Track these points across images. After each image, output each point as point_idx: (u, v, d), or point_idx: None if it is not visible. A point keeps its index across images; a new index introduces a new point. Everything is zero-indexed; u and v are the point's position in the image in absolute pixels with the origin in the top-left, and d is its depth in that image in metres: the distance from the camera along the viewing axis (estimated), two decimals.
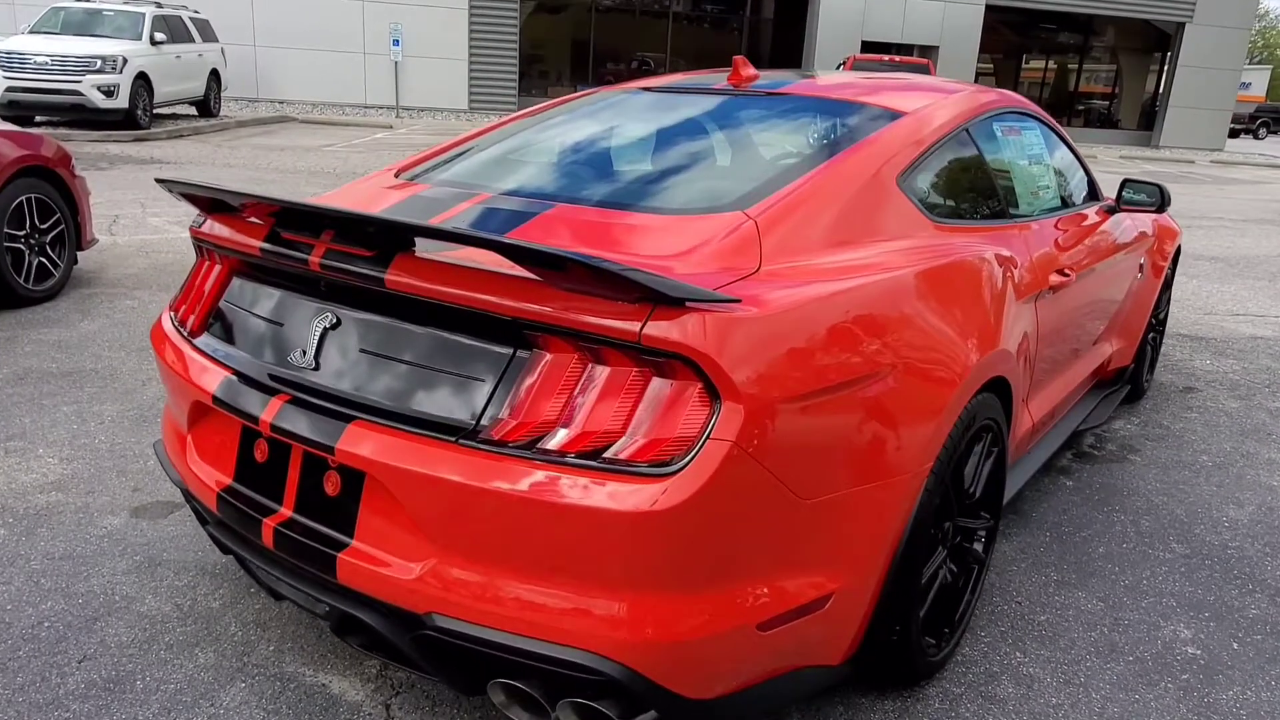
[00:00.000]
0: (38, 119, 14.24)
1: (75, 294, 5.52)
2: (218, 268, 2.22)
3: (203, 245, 2.22)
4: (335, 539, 1.79)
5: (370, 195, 2.33)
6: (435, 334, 1.75)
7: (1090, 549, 3.12)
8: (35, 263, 5.26)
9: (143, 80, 14.71)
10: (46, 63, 13.79)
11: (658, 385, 1.58)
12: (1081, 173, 3.69)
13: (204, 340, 2.13)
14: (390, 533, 1.72)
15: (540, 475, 1.57)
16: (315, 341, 1.87)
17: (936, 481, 2.02)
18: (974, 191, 2.69)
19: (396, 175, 2.54)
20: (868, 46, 24.37)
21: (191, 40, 16.59)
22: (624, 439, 1.57)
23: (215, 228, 2.13)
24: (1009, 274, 2.48)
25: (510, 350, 1.67)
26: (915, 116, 2.51)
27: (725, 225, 1.92)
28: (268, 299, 2.04)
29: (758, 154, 2.48)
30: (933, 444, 1.97)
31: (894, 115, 2.50)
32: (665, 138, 2.58)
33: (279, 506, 1.90)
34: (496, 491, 1.57)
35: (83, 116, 13.96)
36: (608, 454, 1.56)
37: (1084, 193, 3.67)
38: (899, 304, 1.94)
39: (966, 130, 2.70)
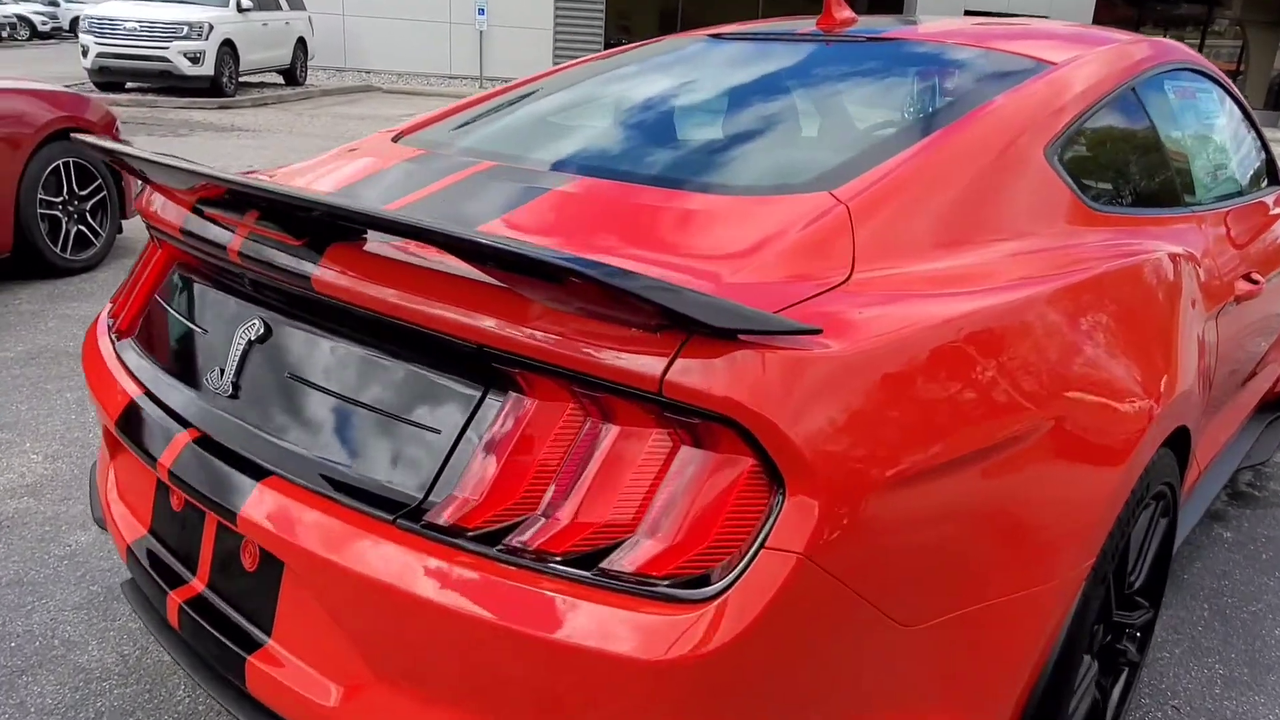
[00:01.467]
0: (128, 85, 14.32)
1: (117, 264, 5.24)
2: (159, 253, 1.75)
3: (147, 224, 1.76)
4: (248, 635, 1.31)
5: (350, 163, 1.83)
6: (379, 360, 1.23)
7: (1263, 631, 2.45)
8: (74, 231, 4.98)
9: (228, 47, 14.66)
10: (135, 29, 13.82)
11: (688, 459, 1.03)
12: (1260, 149, 2.96)
13: (126, 345, 1.67)
14: (314, 637, 1.23)
15: (507, 586, 1.04)
16: (236, 359, 1.38)
17: (1095, 582, 1.42)
18: (1143, 170, 2.04)
19: (395, 139, 2.03)
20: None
21: (278, 8, 16.50)
22: (635, 539, 1.03)
23: (151, 201, 1.66)
24: (1193, 282, 1.84)
25: (478, 391, 1.15)
26: (1068, 68, 1.88)
27: (805, 211, 1.35)
28: (196, 297, 1.56)
29: (854, 116, 1.90)
30: (1096, 533, 1.38)
31: (1039, 66, 1.87)
32: (733, 96, 2.00)
33: (191, 576, 1.43)
34: (443, 607, 1.06)
35: (170, 83, 13.98)
36: (610, 561, 1.03)
37: (1263, 174, 2.94)
38: (1055, 331, 1.35)
39: (1133, 89, 2.05)
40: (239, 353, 1.38)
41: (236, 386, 1.37)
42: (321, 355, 1.29)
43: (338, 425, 1.24)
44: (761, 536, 0.99)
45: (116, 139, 5.24)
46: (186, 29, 13.91)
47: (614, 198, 1.45)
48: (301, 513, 1.18)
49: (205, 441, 1.35)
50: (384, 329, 1.22)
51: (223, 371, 1.39)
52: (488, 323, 1.08)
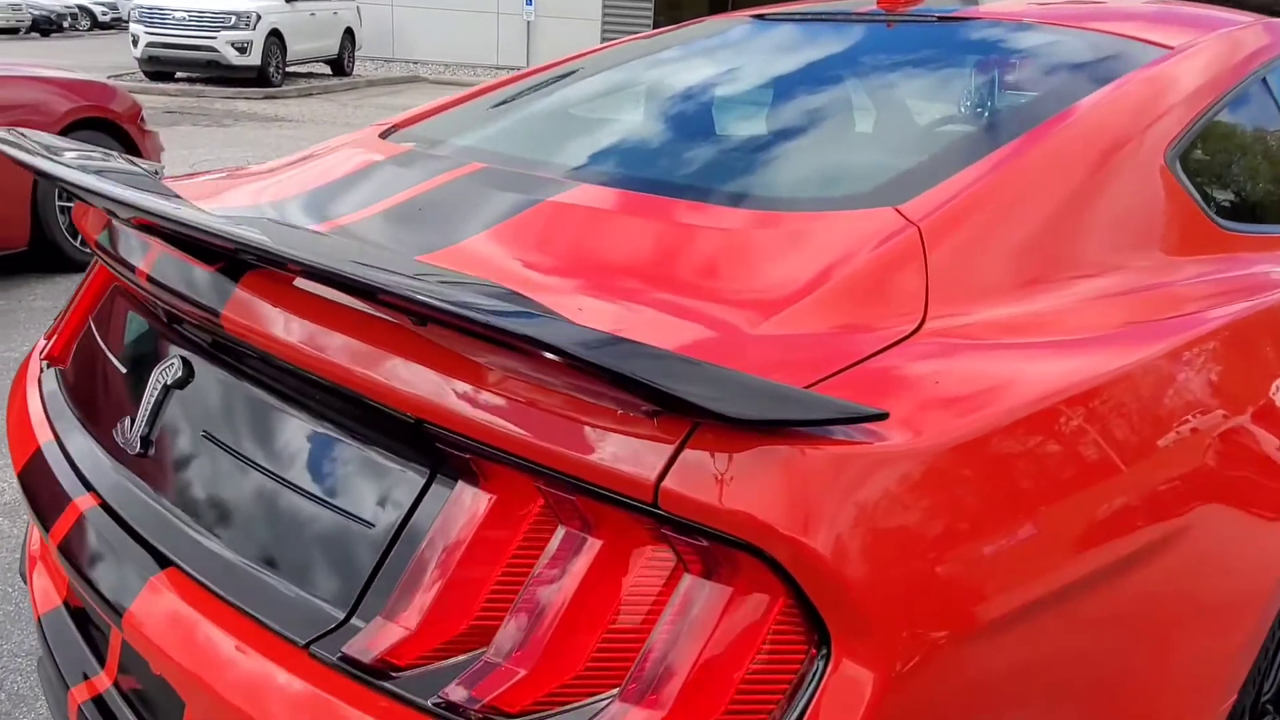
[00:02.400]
0: (177, 75, 14.36)
1: None
2: (100, 267, 1.51)
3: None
4: None
5: (327, 161, 1.56)
6: (306, 426, 0.96)
7: None
8: None
9: (275, 37, 14.62)
10: (184, 19, 13.84)
11: (695, 593, 0.74)
12: None
13: (51, 377, 1.42)
14: None
15: None
16: (149, 407, 1.12)
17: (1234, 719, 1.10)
18: (1277, 177, 1.69)
19: (384, 134, 1.75)
20: None
21: None
22: (618, 702, 0.74)
23: (83, 211, 1.41)
24: None
25: (422, 476, 0.86)
26: (1188, 53, 1.54)
27: (863, 232, 1.04)
28: (121, 324, 1.30)
29: (923, 114, 1.58)
30: (1239, 664, 1.05)
31: (1152, 51, 1.54)
32: (776, 88, 1.69)
33: (98, 669, 1.17)
34: None
35: (218, 73, 13.99)
36: None
37: None
38: (1196, 400, 1.02)
39: (1264, 80, 1.70)
40: (153, 400, 1.12)
41: (146, 442, 1.10)
42: (240, 413, 1.02)
43: (253, 506, 0.97)
44: (795, 712, 0.70)
45: (141, 130, 5.09)
46: (234, 19, 13.89)
47: (622, 211, 1.16)
48: (197, 624, 0.91)
49: (105, 510, 1.09)
50: (311, 386, 0.94)
51: (133, 421, 1.13)
52: (427, 389, 0.80)
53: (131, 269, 1.11)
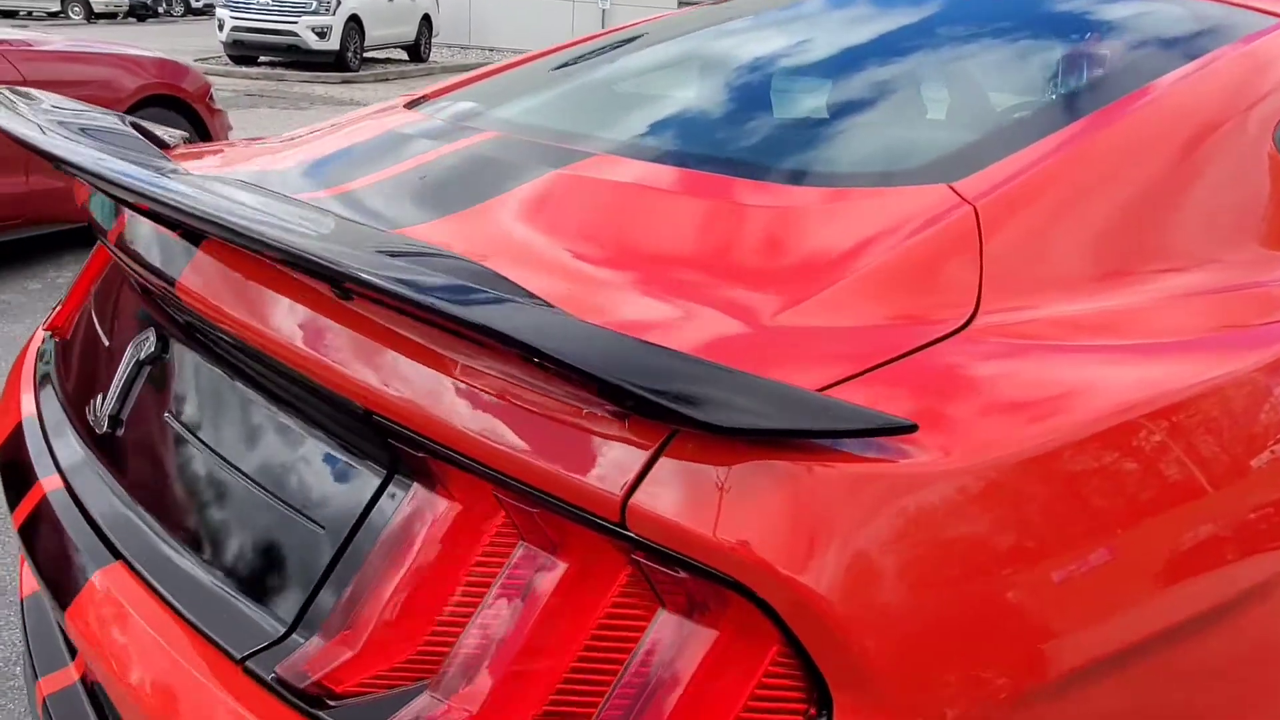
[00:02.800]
0: (260, 59, 14.67)
1: None
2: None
3: None
4: None
5: (346, 130, 1.48)
6: (266, 411, 0.86)
7: None
8: None
9: (354, 23, 14.83)
10: (268, 3, 14.12)
11: (671, 630, 0.61)
12: None
13: (47, 349, 1.36)
14: None
15: None
16: (120, 384, 1.04)
17: None
18: None
19: (411, 105, 1.66)
20: None
21: None
22: None
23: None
24: None
25: (379, 476, 0.76)
26: None
27: (910, 210, 0.90)
28: (111, 295, 1.23)
29: (993, 85, 1.42)
30: None
31: (1259, 19, 1.35)
32: (829, 58, 1.54)
33: (68, 661, 1.10)
34: None
35: (298, 57, 14.25)
36: None
37: None
38: None
39: None
40: (125, 375, 1.04)
41: (115, 422, 1.02)
42: (204, 395, 0.93)
43: (206, 498, 0.88)
44: None
45: (210, 109, 5.13)
46: (315, 4, 14.11)
47: (639, 184, 1.03)
48: (134, 626, 0.82)
49: (69, 493, 1.02)
50: (268, 368, 0.84)
51: (104, 399, 1.05)
52: (373, 374, 0.69)
53: (105, 234, 1.03)
